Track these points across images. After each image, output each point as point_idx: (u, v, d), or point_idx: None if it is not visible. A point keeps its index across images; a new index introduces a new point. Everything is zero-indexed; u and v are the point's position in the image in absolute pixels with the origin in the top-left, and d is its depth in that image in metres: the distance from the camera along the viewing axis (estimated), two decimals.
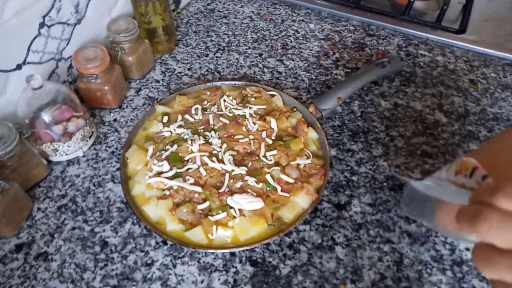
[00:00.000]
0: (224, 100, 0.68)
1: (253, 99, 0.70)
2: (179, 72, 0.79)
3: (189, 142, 0.61)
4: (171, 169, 0.58)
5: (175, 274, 0.51)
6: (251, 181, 0.57)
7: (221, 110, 0.68)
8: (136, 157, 0.61)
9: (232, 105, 0.68)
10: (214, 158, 0.59)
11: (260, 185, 0.56)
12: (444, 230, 0.39)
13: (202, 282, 0.50)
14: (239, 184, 0.57)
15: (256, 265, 0.52)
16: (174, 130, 0.64)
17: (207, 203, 0.55)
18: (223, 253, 0.52)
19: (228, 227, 0.53)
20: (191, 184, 0.56)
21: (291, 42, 0.86)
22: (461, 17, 0.89)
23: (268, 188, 0.57)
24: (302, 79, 0.77)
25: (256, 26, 0.90)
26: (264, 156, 0.60)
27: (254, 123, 0.65)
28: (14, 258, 0.53)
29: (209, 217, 0.53)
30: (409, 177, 0.60)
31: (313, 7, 0.94)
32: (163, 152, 0.61)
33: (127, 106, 0.73)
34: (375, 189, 0.59)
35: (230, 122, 0.65)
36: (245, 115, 0.66)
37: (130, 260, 0.52)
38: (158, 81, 0.77)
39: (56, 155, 0.62)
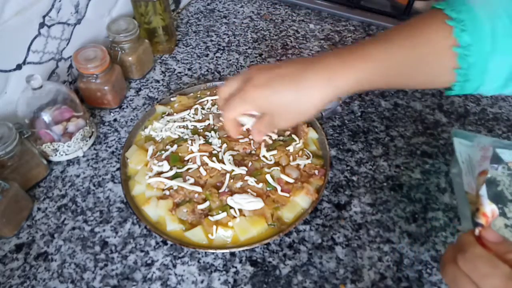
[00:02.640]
0: None
1: None
2: (179, 72, 0.79)
3: (189, 142, 0.61)
4: (171, 169, 0.58)
5: (175, 274, 0.51)
6: (251, 181, 0.57)
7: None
8: (136, 157, 0.61)
9: None
10: (214, 158, 0.59)
11: (260, 185, 0.56)
12: None
13: (202, 282, 0.50)
14: (239, 184, 0.57)
15: (256, 265, 0.52)
16: (175, 130, 0.64)
17: (207, 203, 0.55)
18: (223, 253, 0.52)
19: (228, 227, 0.53)
20: (191, 184, 0.56)
21: (291, 42, 0.86)
22: None
23: (268, 188, 0.57)
24: None
25: (256, 26, 0.90)
26: (264, 156, 0.60)
27: None
28: (14, 258, 0.53)
29: (209, 217, 0.53)
30: (409, 178, 0.60)
31: (313, 7, 0.94)
32: (163, 152, 0.61)
33: (127, 106, 0.73)
34: (375, 189, 0.59)
35: None
36: None
37: (130, 260, 0.52)
38: (158, 81, 0.77)
39: (56, 155, 0.62)
